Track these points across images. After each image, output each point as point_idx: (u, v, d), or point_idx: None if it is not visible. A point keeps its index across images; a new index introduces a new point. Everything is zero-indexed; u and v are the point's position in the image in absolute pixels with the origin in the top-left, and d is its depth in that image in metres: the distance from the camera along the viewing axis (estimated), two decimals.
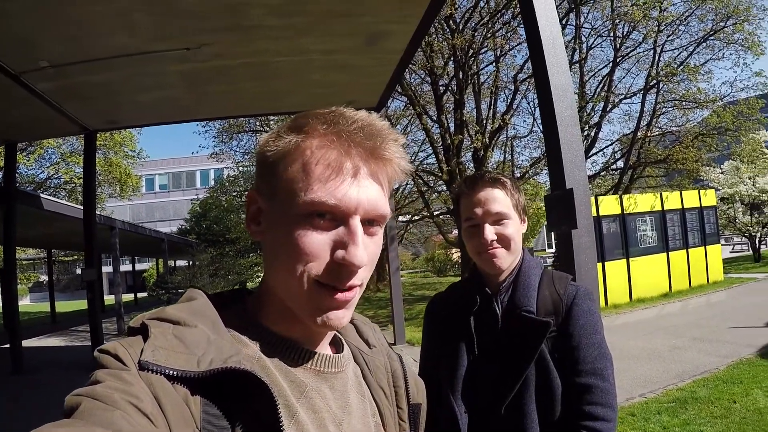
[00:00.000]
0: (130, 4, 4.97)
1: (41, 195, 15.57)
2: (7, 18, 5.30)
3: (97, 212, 12.84)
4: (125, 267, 46.76)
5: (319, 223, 0.87)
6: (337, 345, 1.08)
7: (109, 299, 31.59)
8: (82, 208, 12.22)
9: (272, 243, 0.92)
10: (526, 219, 2.02)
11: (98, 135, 11.32)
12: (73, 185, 27.33)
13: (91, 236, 9.55)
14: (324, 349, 1.00)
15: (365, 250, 0.88)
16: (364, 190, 0.88)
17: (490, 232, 1.88)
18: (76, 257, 45.49)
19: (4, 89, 6.98)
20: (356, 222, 0.87)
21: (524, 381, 1.77)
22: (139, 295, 40.47)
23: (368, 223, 0.91)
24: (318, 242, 0.87)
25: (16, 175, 12.95)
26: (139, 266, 48.65)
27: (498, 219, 1.89)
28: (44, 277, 43.94)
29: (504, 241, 1.89)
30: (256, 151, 1.03)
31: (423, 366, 2.08)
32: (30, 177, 27.00)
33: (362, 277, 0.91)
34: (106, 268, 34.92)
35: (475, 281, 2.02)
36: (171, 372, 0.74)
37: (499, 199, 1.90)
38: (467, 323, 1.95)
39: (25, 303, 49.59)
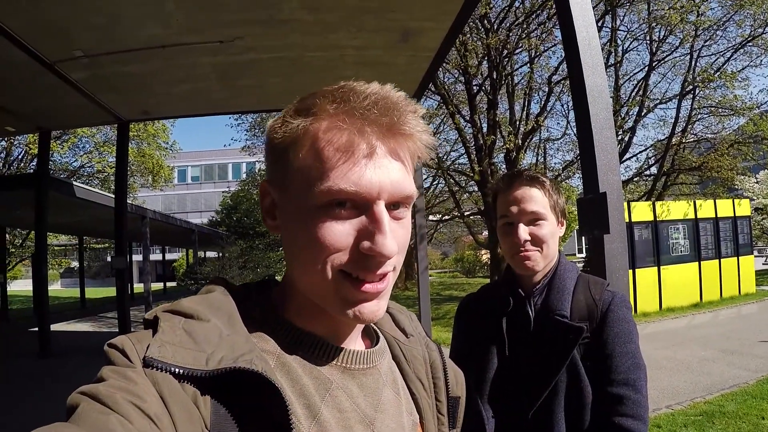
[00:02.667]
0: None
1: (73, 182, 15.78)
2: (42, 7, 5.37)
3: (128, 201, 13.00)
4: (155, 256, 47.22)
5: (339, 213, 0.80)
6: (371, 337, 1.04)
7: (138, 287, 32.03)
8: (113, 196, 12.36)
9: (291, 237, 0.86)
10: (564, 222, 1.98)
11: (132, 126, 11.44)
12: (105, 174, 27.65)
13: (122, 225, 9.66)
14: (353, 344, 0.95)
15: (393, 236, 0.81)
16: (384, 171, 0.80)
17: (524, 231, 1.85)
18: (107, 245, 45.99)
19: (40, 78, 7.08)
20: (380, 208, 0.80)
21: (554, 387, 1.74)
22: (168, 284, 40.97)
23: (393, 206, 0.84)
24: (340, 234, 0.80)
25: (50, 163, 13.14)
26: (169, 256, 49.16)
27: (533, 219, 1.86)
28: (75, 264, 44.50)
29: (538, 242, 1.86)
30: (265, 137, 0.94)
31: None
32: (64, 165, 27.43)
33: (393, 263, 0.85)
34: (137, 257, 35.32)
35: (509, 282, 1.99)
36: (177, 370, 0.70)
37: (536, 199, 1.86)
38: (499, 325, 1.92)
39: (55, 288, 50.39)
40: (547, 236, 1.86)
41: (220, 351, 0.74)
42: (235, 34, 5.69)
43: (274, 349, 0.85)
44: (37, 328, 12.60)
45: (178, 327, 0.76)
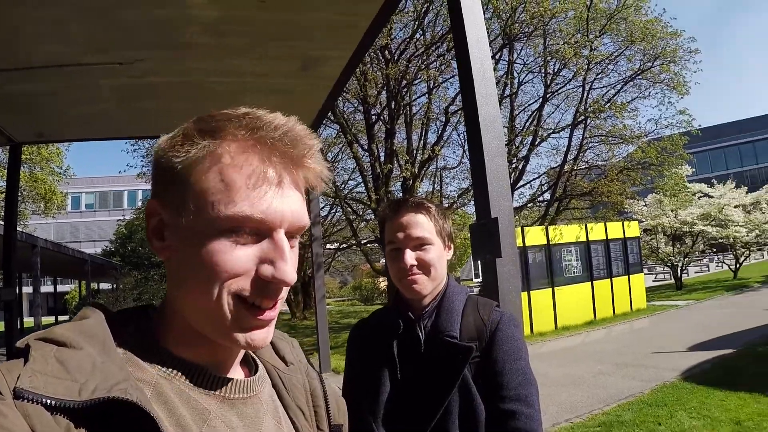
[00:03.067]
0: (68, 13, 4.82)
1: None
2: None
3: (18, 229, 12.39)
4: (46, 288, 45.35)
5: (240, 239, 0.79)
6: (249, 365, 1.01)
7: (28, 321, 30.56)
8: (2, 223, 11.81)
9: (182, 261, 0.84)
10: (451, 246, 2.02)
11: (24, 148, 10.98)
12: None
13: (11, 254, 9.21)
14: (233, 372, 0.93)
15: (292, 264, 0.82)
16: (287, 201, 0.81)
17: (410, 257, 1.88)
18: None
19: None
20: (282, 236, 0.81)
21: (447, 407, 1.75)
22: (60, 317, 39.23)
23: (289, 235, 0.84)
24: (240, 259, 0.79)
25: None
26: (61, 288, 47.19)
27: (420, 244, 1.89)
28: None
29: (424, 267, 1.89)
30: (154, 156, 0.92)
31: (345, 391, 2.01)
32: None
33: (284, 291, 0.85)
34: (27, 289, 33.76)
35: (399, 306, 2.00)
36: (49, 401, 0.67)
37: (421, 224, 1.90)
38: (390, 348, 1.93)
39: None
40: (434, 260, 1.90)
41: (93, 380, 0.71)
42: (136, 56, 5.55)
43: (151, 379, 0.82)
44: None
45: (50, 356, 0.73)
